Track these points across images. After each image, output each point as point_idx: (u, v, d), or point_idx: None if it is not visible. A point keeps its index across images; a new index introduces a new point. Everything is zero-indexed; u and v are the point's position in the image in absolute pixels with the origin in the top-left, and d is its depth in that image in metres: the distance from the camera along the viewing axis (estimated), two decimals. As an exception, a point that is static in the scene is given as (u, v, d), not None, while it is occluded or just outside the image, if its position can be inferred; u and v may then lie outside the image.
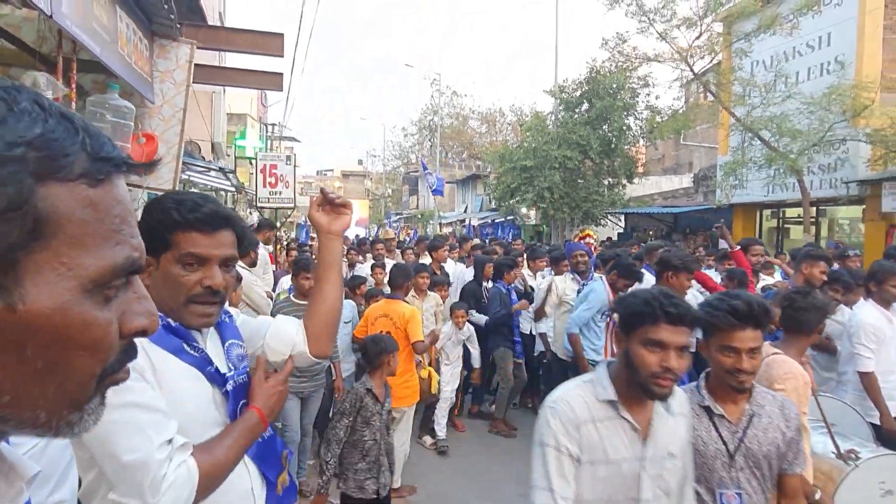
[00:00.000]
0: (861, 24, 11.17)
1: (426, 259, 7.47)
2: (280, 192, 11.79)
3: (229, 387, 1.34)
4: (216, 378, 1.32)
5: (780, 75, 11.59)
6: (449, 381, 5.60)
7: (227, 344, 1.41)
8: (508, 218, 22.49)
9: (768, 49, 12.52)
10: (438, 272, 6.67)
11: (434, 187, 18.27)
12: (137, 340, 0.53)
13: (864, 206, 11.57)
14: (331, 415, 3.87)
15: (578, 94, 18.91)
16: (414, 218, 40.13)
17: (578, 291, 5.24)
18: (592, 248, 5.41)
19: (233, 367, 1.38)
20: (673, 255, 4.07)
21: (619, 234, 19.95)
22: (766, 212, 14.88)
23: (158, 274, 1.27)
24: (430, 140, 43.57)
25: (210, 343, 1.37)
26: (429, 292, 5.60)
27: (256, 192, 11.89)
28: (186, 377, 1.26)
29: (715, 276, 5.78)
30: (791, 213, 14.04)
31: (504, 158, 19.60)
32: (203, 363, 1.29)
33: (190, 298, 1.27)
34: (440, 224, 33.70)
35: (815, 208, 12.41)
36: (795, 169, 10.49)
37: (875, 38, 11.16)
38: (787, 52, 12.62)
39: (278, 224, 12.80)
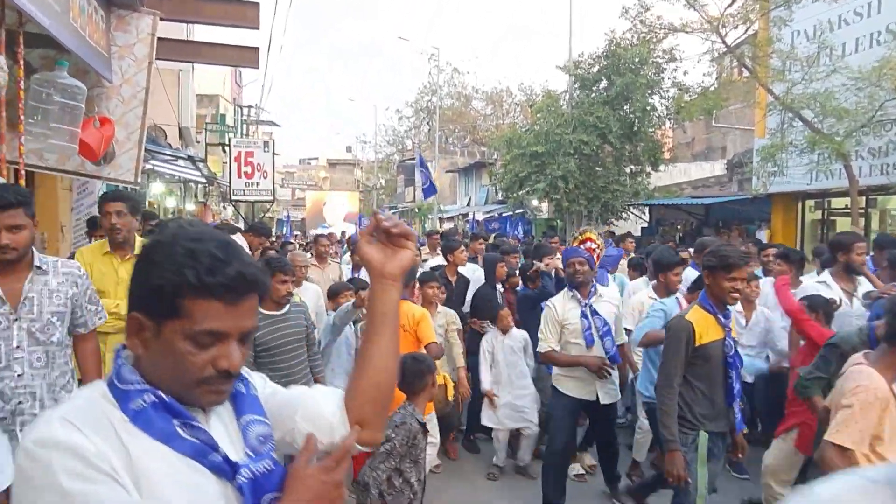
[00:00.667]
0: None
1: (437, 259, 7.17)
2: (257, 183, 11.86)
3: (242, 479, 1.10)
4: (223, 470, 1.09)
5: (823, 47, 11.55)
6: (530, 407, 5.17)
7: (243, 420, 1.19)
8: (517, 211, 22.48)
9: (810, 17, 12.48)
10: (454, 278, 6.26)
11: (424, 186, 18.18)
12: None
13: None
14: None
15: (596, 70, 18.89)
16: (410, 212, 40.14)
17: (583, 315, 4.53)
18: (595, 256, 4.83)
19: (252, 453, 1.15)
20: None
21: (642, 228, 19.94)
22: (809, 202, 14.84)
23: (158, 342, 1.08)
24: (428, 123, 43.57)
25: (217, 421, 1.16)
26: (440, 307, 5.25)
27: (231, 183, 11.96)
28: (178, 473, 1.04)
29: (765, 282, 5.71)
30: (837, 203, 14.01)
31: (512, 144, 19.59)
32: (202, 451, 1.07)
33: (200, 381, 1.09)
34: (440, 219, 33.72)
35: (863, 198, 12.36)
36: (841, 153, 10.47)
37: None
38: (831, 21, 12.58)
39: (255, 217, 12.83)
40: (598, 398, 4.53)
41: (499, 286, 6.18)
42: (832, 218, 14.62)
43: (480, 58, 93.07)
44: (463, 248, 6.86)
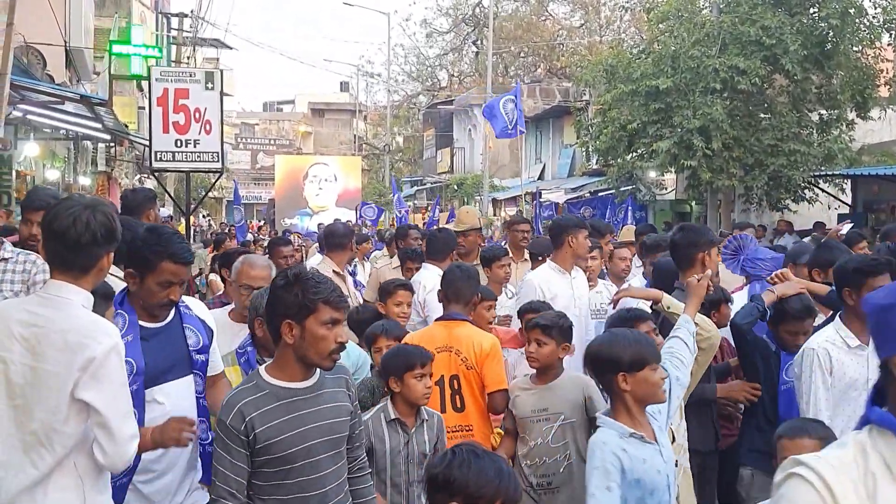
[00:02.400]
0: None
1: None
2: (195, 142, 11.93)
3: None
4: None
5: None
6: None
7: None
8: (624, 189, 22.34)
9: None
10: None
11: (509, 130, 18.02)
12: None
13: None
14: None
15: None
16: (446, 189, 40.15)
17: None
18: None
19: None
20: None
21: (839, 215, 19.60)
22: None
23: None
24: (475, 43, 43.61)
25: None
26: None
27: (151, 140, 12.06)
28: None
29: None
30: None
31: (616, 75, 19.68)
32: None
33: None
34: (494, 200, 33.66)
35: None
36: None
37: None
38: None
39: (192, 199, 12.93)
40: None
41: None
42: None
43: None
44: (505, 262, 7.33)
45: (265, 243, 14.85)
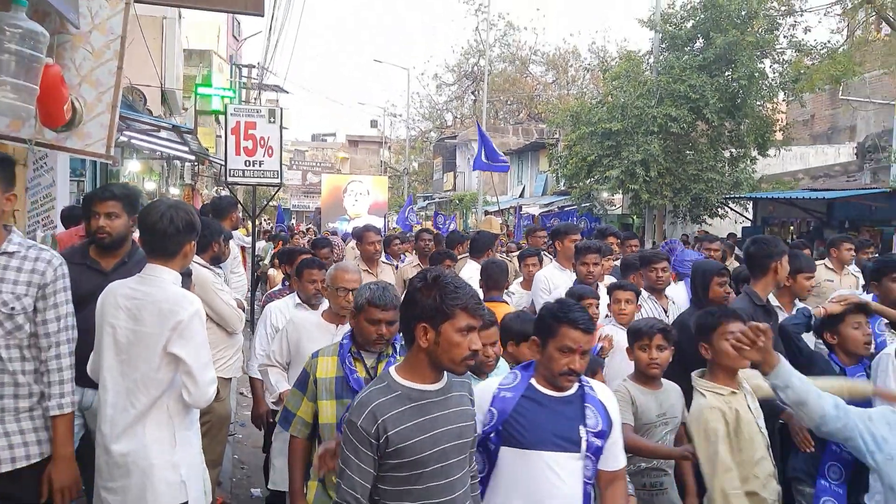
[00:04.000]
0: None
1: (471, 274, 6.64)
2: (260, 163, 11.88)
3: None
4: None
5: None
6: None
7: None
8: (584, 205, 22.33)
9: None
10: None
11: (494, 163, 17.50)
12: None
13: None
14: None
15: (690, 25, 18.76)
16: (449, 203, 40.17)
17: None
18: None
19: None
20: None
21: (744, 228, 19.62)
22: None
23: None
24: (473, 93, 43.63)
25: None
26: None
27: (226, 161, 12.02)
28: None
29: None
30: None
31: (579, 119, 19.53)
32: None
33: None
34: (486, 213, 33.63)
35: None
36: None
37: None
38: None
39: (258, 207, 12.93)
40: None
41: None
42: None
43: (542, 11, 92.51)
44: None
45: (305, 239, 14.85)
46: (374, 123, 63.03)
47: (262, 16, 8.32)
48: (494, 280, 5.66)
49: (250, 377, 5.20)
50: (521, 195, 34.32)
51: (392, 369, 2.60)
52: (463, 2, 53.86)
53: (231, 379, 5.41)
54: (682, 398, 3.98)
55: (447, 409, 2.55)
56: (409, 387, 2.52)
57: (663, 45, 19.31)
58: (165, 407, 3.05)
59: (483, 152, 18.25)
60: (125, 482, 3.00)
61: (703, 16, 18.32)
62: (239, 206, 8.01)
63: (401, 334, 2.88)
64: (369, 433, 2.42)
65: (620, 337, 4.50)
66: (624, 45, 30.47)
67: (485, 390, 2.91)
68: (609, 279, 6.00)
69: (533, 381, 2.92)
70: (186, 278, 3.91)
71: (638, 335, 4.00)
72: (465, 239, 8.66)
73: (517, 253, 8.41)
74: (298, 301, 5.02)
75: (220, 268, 5.53)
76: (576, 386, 2.93)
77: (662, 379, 3.99)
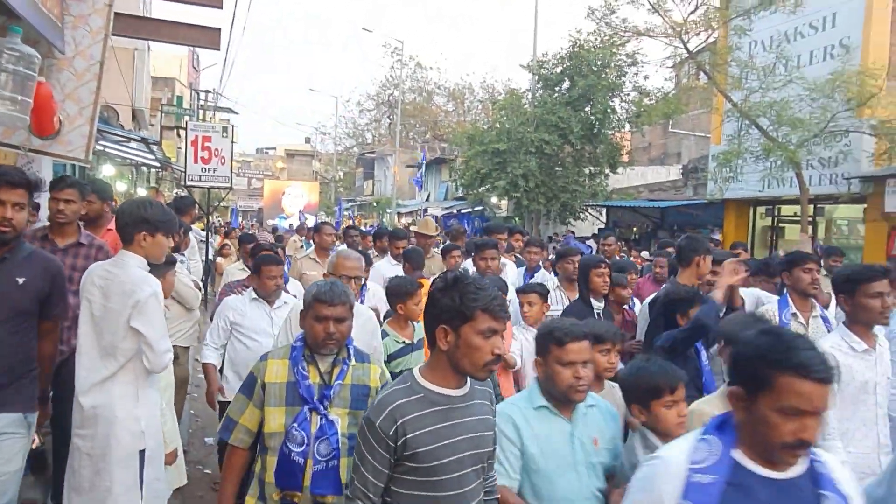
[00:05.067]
0: (869, 5, 11.55)
1: (387, 264, 6.17)
2: (214, 170, 11.49)
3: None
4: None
5: (780, 58, 11.89)
6: None
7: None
8: (476, 209, 22.56)
9: (769, 28, 12.84)
10: None
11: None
12: None
13: (865, 206, 12.01)
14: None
15: (559, 70, 19.10)
16: (368, 206, 39.87)
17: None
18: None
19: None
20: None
21: (599, 229, 20.22)
22: (761, 209, 15.28)
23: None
24: (389, 117, 43.29)
25: None
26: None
27: (186, 167, 11.57)
28: None
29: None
30: (787, 210, 14.46)
31: (474, 140, 19.65)
32: None
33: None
34: (398, 213, 33.55)
35: (812, 206, 12.81)
36: (794, 161, 10.79)
37: (883, 20, 11.56)
38: (788, 33, 12.96)
39: (212, 206, 12.50)
40: None
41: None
42: (782, 225, 15.09)
43: (445, 54, 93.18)
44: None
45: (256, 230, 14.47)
46: (307, 140, 61.71)
47: (219, 49, 8.07)
48: (416, 262, 5.34)
49: (203, 363, 4.43)
50: (427, 199, 34.40)
51: (416, 370, 2.05)
52: (383, 45, 53.80)
53: (189, 347, 5.24)
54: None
55: (469, 416, 2.01)
56: (432, 390, 1.97)
57: (539, 85, 19.66)
58: (131, 369, 2.93)
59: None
60: (93, 430, 2.90)
61: (569, 63, 18.72)
62: (196, 204, 7.71)
63: (352, 338, 2.56)
64: (387, 434, 1.91)
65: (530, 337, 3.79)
66: (508, 84, 30.93)
67: (668, 472, 1.60)
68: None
69: (737, 454, 1.58)
70: (169, 266, 3.78)
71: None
72: (387, 232, 8.24)
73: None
74: (255, 297, 4.28)
75: (183, 255, 5.38)
76: (804, 462, 1.58)
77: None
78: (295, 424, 2.37)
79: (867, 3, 11.61)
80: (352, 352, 2.56)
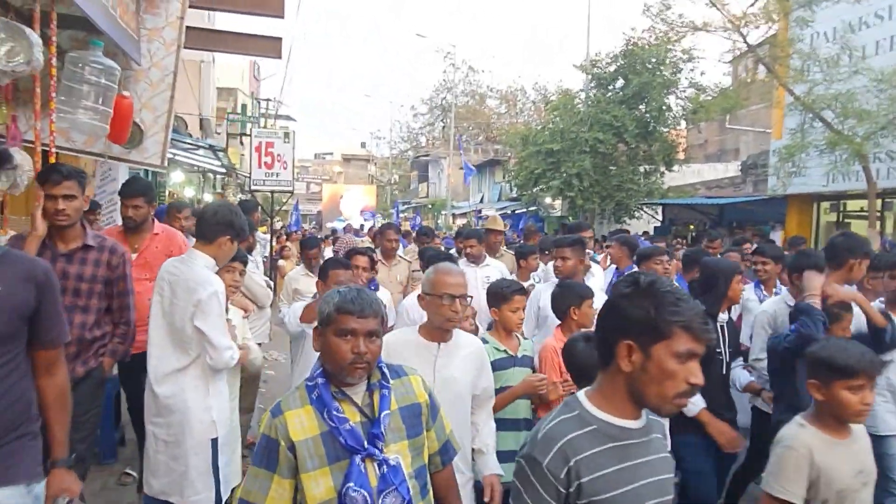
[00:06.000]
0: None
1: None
2: (277, 174, 11.81)
3: None
4: None
5: (845, 48, 11.37)
6: None
7: None
8: (531, 209, 22.41)
9: (832, 18, 12.28)
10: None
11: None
12: None
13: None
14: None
15: (613, 69, 18.79)
16: (424, 207, 40.17)
17: None
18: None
19: None
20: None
21: (655, 227, 19.82)
22: (825, 204, 14.67)
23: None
24: (442, 121, 43.49)
25: None
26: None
27: (251, 172, 11.93)
28: None
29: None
30: (853, 205, 13.84)
31: (527, 141, 19.51)
32: None
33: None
34: (453, 215, 33.68)
35: (880, 200, 12.20)
36: (861, 154, 10.32)
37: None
38: (853, 23, 12.38)
39: (274, 209, 12.84)
40: None
41: None
42: (847, 220, 14.44)
43: (497, 56, 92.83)
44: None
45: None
46: (363, 144, 62.66)
47: (280, 58, 8.28)
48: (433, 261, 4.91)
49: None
50: (481, 201, 34.39)
51: (582, 395, 1.60)
52: (436, 50, 54.08)
53: (260, 344, 5.37)
54: None
55: (650, 454, 1.57)
56: (606, 421, 1.53)
57: (592, 84, 19.37)
58: (201, 363, 3.00)
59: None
60: (168, 418, 3.00)
61: (623, 62, 18.38)
62: (259, 207, 7.95)
63: (383, 363, 1.94)
64: (557, 477, 1.47)
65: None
66: (560, 85, 30.66)
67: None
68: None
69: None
70: (241, 263, 3.73)
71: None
72: (428, 232, 8.03)
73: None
74: None
75: (252, 256, 5.51)
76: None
77: None
78: (350, 484, 1.77)
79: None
80: (385, 370, 1.95)
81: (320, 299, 2.14)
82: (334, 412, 1.82)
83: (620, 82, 18.68)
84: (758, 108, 17.41)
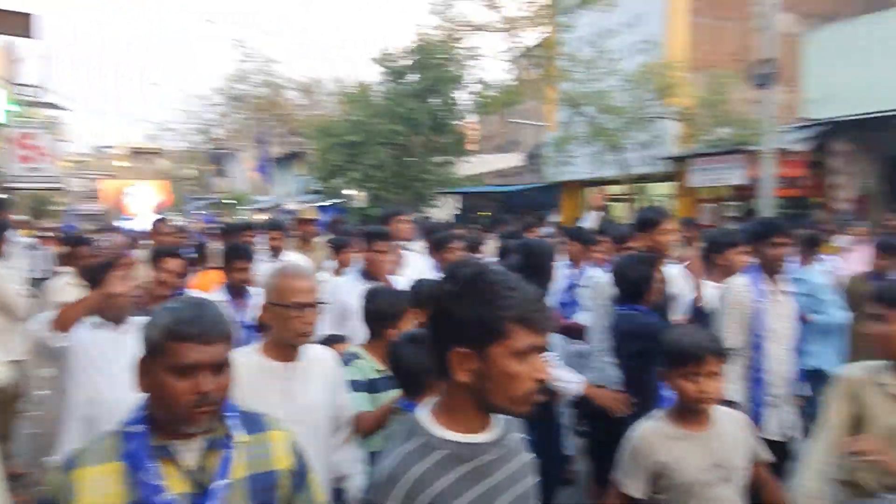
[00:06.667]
0: (670, 7, 12.82)
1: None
2: (39, 169, 10.46)
3: None
4: None
5: (600, 52, 12.86)
6: None
7: None
8: (335, 201, 22.25)
9: (590, 25, 13.80)
10: None
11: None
12: None
13: (675, 182, 13.35)
14: None
15: (408, 63, 19.15)
16: (219, 203, 38.00)
17: None
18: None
19: None
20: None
21: (456, 215, 20.70)
22: (593, 189, 16.46)
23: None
24: (239, 112, 41.31)
25: None
26: None
27: (5, 167, 10.42)
28: None
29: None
30: (613, 189, 15.71)
31: (326, 133, 19.34)
32: None
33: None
34: (257, 210, 32.32)
35: (634, 185, 14.01)
36: (615, 145, 11.77)
37: (682, 18, 12.87)
38: (607, 30, 14.01)
39: (42, 210, 11.36)
40: None
41: None
42: (610, 203, 16.32)
43: (290, 46, 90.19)
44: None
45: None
46: (151, 137, 57.57)
47: (30, 37, 7.32)
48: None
49: None
50: (284, 195, 33.46)
51: (424, 415, 1.33)
52: (228, 39, 51.04)
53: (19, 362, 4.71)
54: None
55: (509, 463, 1.34)
56: (456, 441, 1.29)
57: (389, 78, 19.69)
58: None
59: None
60: None
61: (415, 56, 18.86)
62: (12, 206, 7.00)
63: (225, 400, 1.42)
64: None
65: None
66: (356, 77, 30.71)
67: None
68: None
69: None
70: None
71: None
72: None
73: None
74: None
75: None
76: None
77: None
78: None
79: (668, 5, 12.85)
80: (234, 420, 1.45)
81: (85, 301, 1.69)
82: (150, 478, 1.31)
83: (414, 76, 19.13)
84: (535, 103, 19.00)
